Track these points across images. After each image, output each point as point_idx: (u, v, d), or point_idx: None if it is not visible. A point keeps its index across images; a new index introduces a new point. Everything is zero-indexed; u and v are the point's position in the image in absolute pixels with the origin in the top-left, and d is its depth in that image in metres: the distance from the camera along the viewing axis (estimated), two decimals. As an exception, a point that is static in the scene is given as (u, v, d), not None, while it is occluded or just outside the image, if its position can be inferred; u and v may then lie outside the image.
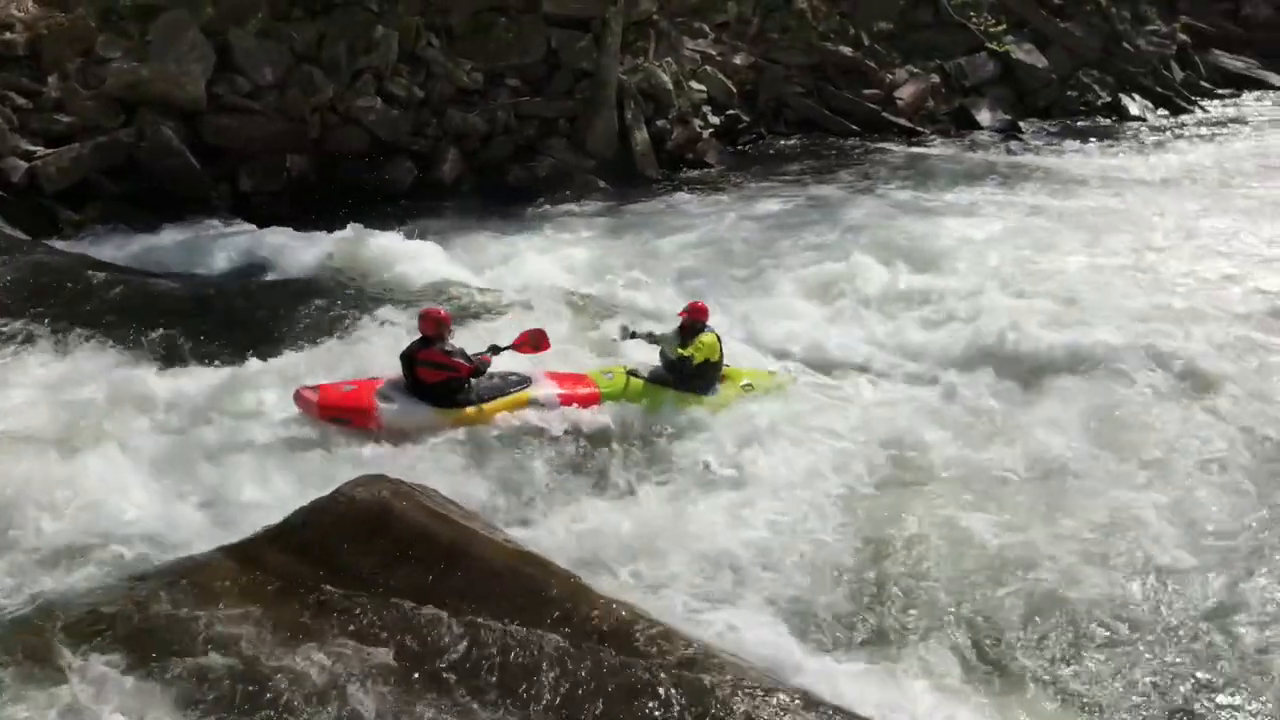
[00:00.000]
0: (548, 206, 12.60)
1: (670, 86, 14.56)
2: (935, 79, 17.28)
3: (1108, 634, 4.87)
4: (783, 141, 16.09)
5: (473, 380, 6.44)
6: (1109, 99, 18.38)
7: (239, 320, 8.48)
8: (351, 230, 10.37)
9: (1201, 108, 18.85)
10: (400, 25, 13.24)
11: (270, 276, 9.73)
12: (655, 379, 7.04)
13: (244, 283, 9.59)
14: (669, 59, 14.82)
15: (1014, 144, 16.36)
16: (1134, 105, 18.41)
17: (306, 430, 6.21)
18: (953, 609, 4.98)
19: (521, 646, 3.53)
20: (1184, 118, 18.25)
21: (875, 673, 4.43)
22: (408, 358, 6.40)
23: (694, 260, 10.52)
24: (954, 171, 14.34)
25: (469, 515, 4.24)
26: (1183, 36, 20.15)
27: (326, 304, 8.66)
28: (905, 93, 16.80)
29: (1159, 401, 7.27)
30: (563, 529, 5.42)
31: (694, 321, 7.11)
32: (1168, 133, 17.27)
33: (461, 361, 6.37)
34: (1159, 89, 18.86)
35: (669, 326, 7.38)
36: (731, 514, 5.69)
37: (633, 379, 6.98)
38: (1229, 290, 9.66)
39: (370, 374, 6.75)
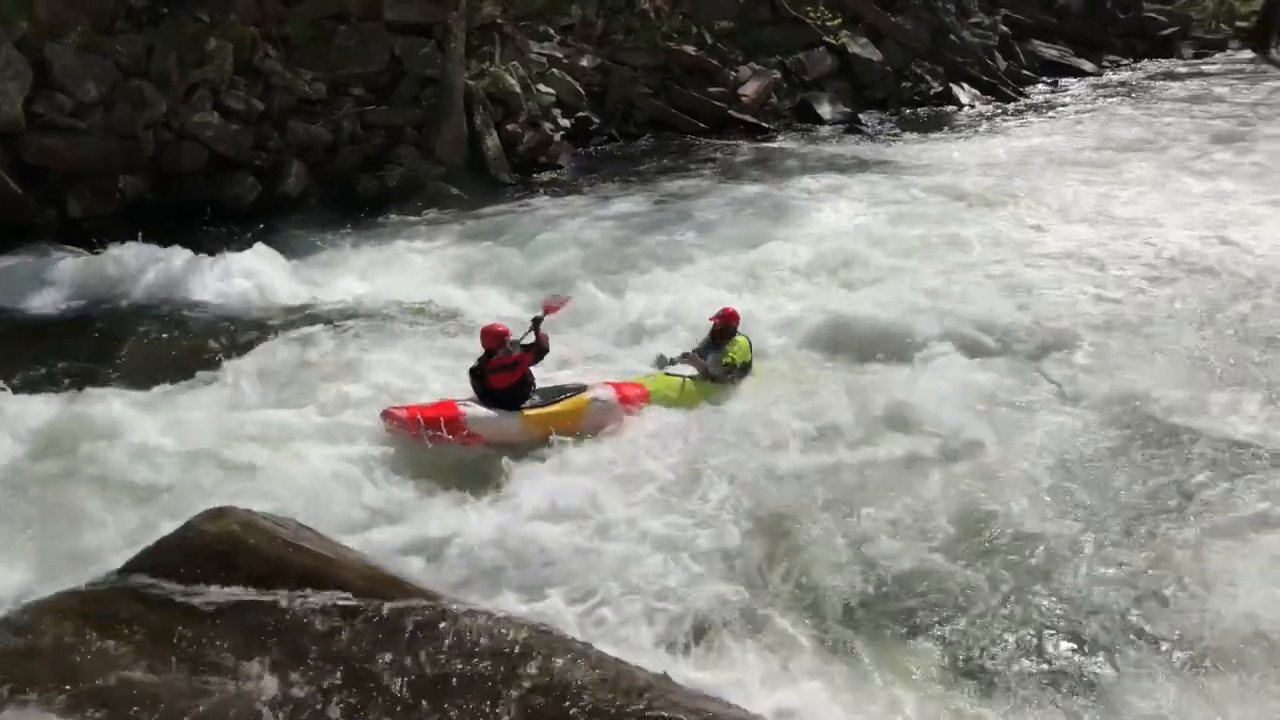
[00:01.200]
0: (400, 216, 12.42)
1: (518, 90, 14.55)
2: (777, 75, 17.77)
3: (974, 614, 5.08)
4: (634, 142, 16.28)
5: (531, 375, 6.80)
6: (941, 89, 19.28)
7: (71, 349, 8.08)
8: (190, 250, 10.01)
9: (1024, 94, 20.00)
10: (234, 36, 12.79)
11: (104, 303, 9.31)
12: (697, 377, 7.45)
13: (75, 310, 9.15)
14: (515, 63, 14.80)
15: (855, 135, 16.99)
16: (964, 94, 19.38)
17: (150, 463, 6.00)
18: (835, 601, 5.16)
19: (389, 671, 3.51)
20: (1009, 105, 19.30)
21: (764, 674, 4.58)
22: (478, 372, 6.72)
23: (553, 263, 10.54)
24: (800, 164, 14.81)
25: (327, 542, 4.18)
26: (1004, 28, 21.33)
27: (165, 328, 8.36)
28: (749, 89, 17.22)
29: (1010, 375, 7.77)
30: (432, 547, 5.43)
31: (726, 326, 7.58)
32: (995, 119, 18.24)
33: (520, 354, 6.73)
34: (985, 78, 19.90)
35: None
36: (612, 522, 5.75)
37: (673, 378, 7.38)
38: (1068, 264, 10.32)
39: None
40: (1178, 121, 17.53)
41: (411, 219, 12.32)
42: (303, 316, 8.58)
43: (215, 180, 12.30)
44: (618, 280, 9.91)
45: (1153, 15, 24.82)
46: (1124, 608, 5.12)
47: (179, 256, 10.00)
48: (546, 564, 5.35)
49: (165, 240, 10.43)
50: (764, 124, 16.98)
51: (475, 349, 6.95)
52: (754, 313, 8.56)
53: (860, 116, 17.81)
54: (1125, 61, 23.45)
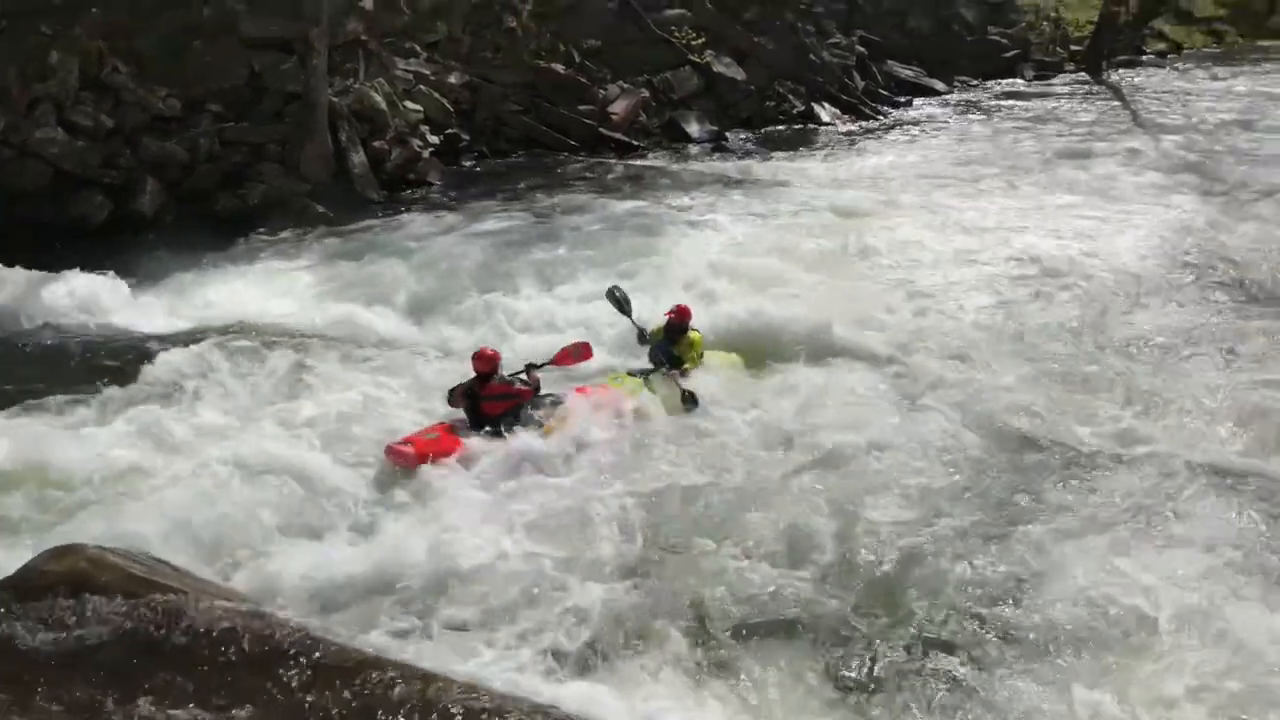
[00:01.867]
0: (263, 235, 12.08)
1: (384, 107, 14.36)
2: (645, 93, 18.01)
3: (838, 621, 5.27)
4: (504, 159, 16.24)
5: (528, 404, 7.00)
6: (803, 108, 19.87)
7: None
8: (33, 271, 9.53)
9: (882, 113, 20.79)
10: (80, 49, 12.25)
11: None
12: (649, 373, 7.74)
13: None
14: (381, 79, 14.60)
15: (723, 153, 17.36)
16: (825, 113, 20.01)
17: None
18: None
19: (252, 702, 3.43)
20: (868, 123, 20.04)
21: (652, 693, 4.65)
22: (470, 395, 6.88)
23: (423, 281, 10.44)
24: (671, 181, 15.04)
25: (184, 575, 4.04)
26: (860, 49, 22.12)
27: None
28: (618, 107, 17.41)
29: (882, 383, 8.05)
30: (303, 576, 5.30)
31: (681, 321, 7.89)
32: (856, 136, 18.89)
33: (523, 387, 7.00)
34: (845, 97, 20.61)
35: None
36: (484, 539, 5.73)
37: (633, 378, 7.65)
38: (933, 274, 10.81)
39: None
40: (1024, 139, 18.51)
41: (275, 238, 12.00)
42: (153, 339, 8.24)
43: (62, 199, 11.73)
44: (490, 297, 9.88)
45: (996, 38, 26.17)
46: (985, 608, 5.38)
47: (18, 278, 9.51)
48: (426, 589, 5.28)
49: (7, 261, 9.91)
50: (634, 141, 17.19)
51: (339, 371, 6.87)
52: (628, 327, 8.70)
53: (727, 135, 18.21)
54: (974, 82, 24.63)
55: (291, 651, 3.64)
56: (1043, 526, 6.13)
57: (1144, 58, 29.78)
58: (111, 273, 9.93)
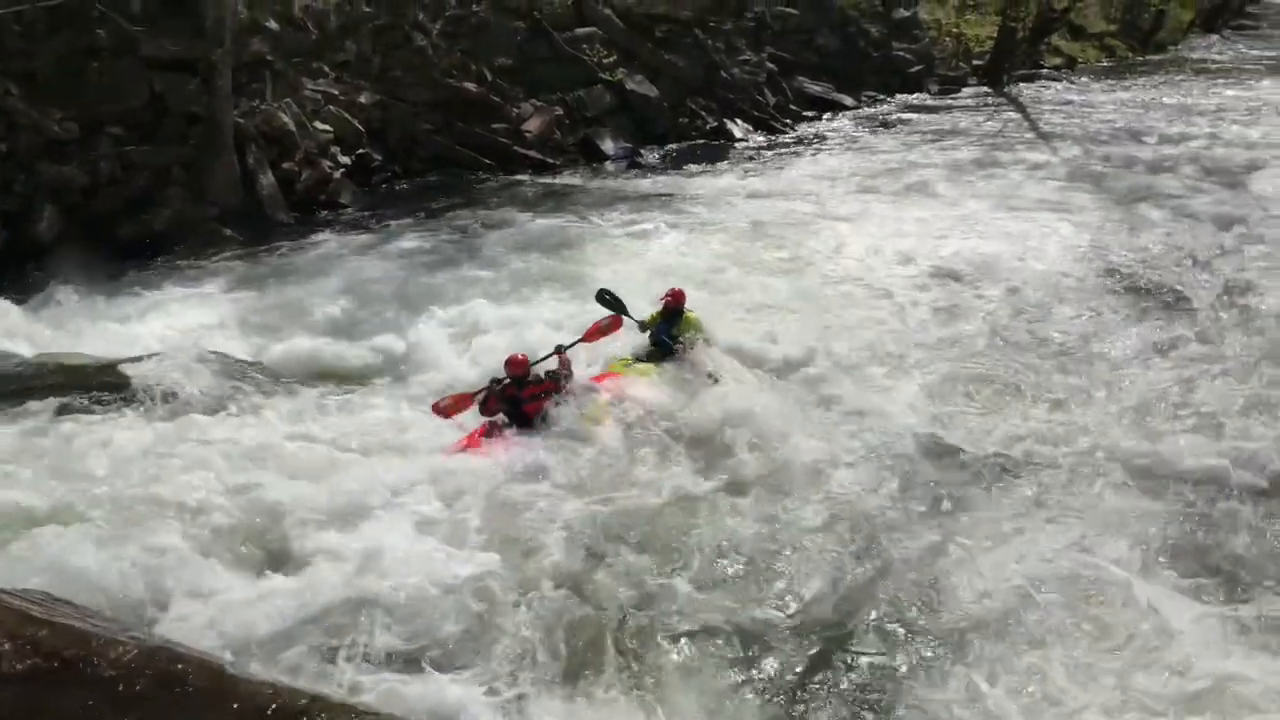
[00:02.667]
0: (169, 261, 11.75)
1: (293, 128, 14.11)
2: (559, 111, 18.02)
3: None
4: (418, 179, 16.06)
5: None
6: (716, 124, 20.11)
7: None
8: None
9: (793, 128, 21.15)
10: (-33, 72, 11.81)
11: None
12: (652, 357, 8.22)
13: None
14: (289, 100, 14.35)
15: (638, 169, 17.46)
16: (737, 129, 20.28)
17: None
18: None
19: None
20: (779, 138, 20.36)
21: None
22: (510, 399, 7.16)
23: (338, 304, 10.25)
24: (588, 198, 15.07)
25: (88, 615, 3.87)
26: (770, 65, 22.48)
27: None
28: (532, 125, 17.39)
29: (798, 393, 8.20)
30: (213, 612, 5.13)
31: (676, 304, 8.37)
32: (769, 151, 19.17)
33: (551, 382, 7.28)
34: (756, 113, 20.93)
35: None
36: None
37: (640, 363, 8.14)
38: (849, 284, 11.08)
39: None
40: (932, 150, 19.02)
41: (181, 263, 11.68)
42: (51, 370, 7.91)
43: (-49, 226, 11.25)
44: (406, 316, 9.77)
45: (902, 54, 26.84)
46: (900, 608, 5.56)
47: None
48: (355, 619, 5.13)
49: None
50: (549, 159, 17.17)
51: (249, 398, 6.73)
52: (546, 343, 8.67)
53: (642, 151, 18.32)
54: (881, 96, 25.22)
55: (204, 691, 3.51)
56: (958, 528, 6.32)
57: (1042, 71, 30.89)
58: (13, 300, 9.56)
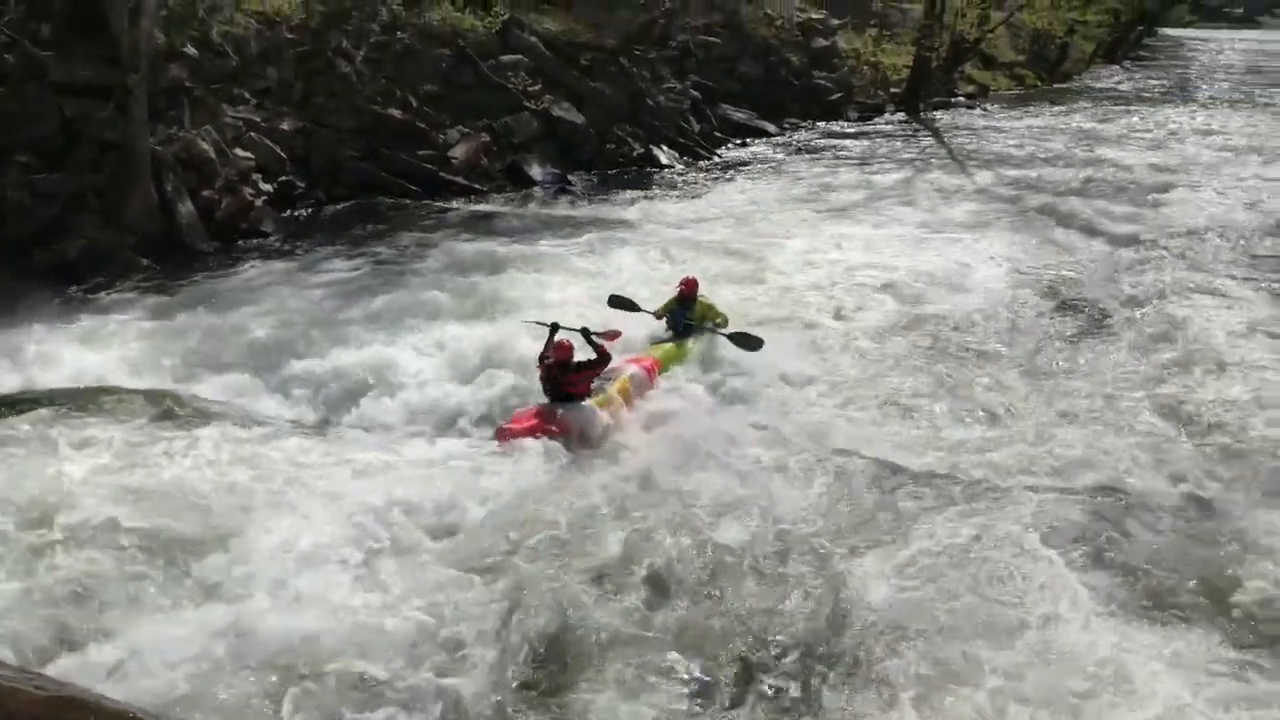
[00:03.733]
0: (83, 292, 11.36)
1: (213, 155, 13.81)
2: (486, 138, 17.98)
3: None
4: (343, 205, 15.85)
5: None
6: (642, 150, 20.26)
7: None
8: None
9: (718, 155, 21.44)
10: None
11: None
12: (674, 339, 9.25)
13: None
14: (208, 127, 14.06)
15: (566, 196, 17.48)
16: (664, 155, 20.47)
17: None
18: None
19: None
20: (705, 164, 20.62)
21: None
22: (554, 381, 7.80)
23: (258, 332, 9.99)
24: (516, 224, 15.02)
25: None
26: (694, 93, 22.78)
27: None
28: (459, 152, 17.32)
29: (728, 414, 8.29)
30: (125, 655, 4.92)
31: (690, 292, 9.40)
32: (695, 177, 19.39)
33: (593, 370, 7.96)
34: (682, 140, 21.16)
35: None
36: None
37: (668, 345, 9.15)
38: (779, 305, 11.25)
39: None
40: (853, 176, 19.44)
41: (98, 294, 11.31)
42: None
43: None
44: (330, 345, 9.56)
45: (822, 82, 27.45)
46: (816, 628, 5.59)
47: None
48: (276, 662, 4.98)
49: None
50: (476, 185, 17.11)
51: (167, 433, 6.67)
52: (471, 366, 8.71)
53: (570, 177, 18.35)
54: (803, 123, 25.75)
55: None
56: (882, 547, 6.41)
57: (956, 99, 31.86)
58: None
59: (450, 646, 5.22)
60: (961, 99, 32.17)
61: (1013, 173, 19.97)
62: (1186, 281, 12.35)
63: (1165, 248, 14.09)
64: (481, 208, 16.29)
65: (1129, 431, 8.15)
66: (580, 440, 7.59)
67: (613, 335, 8.49)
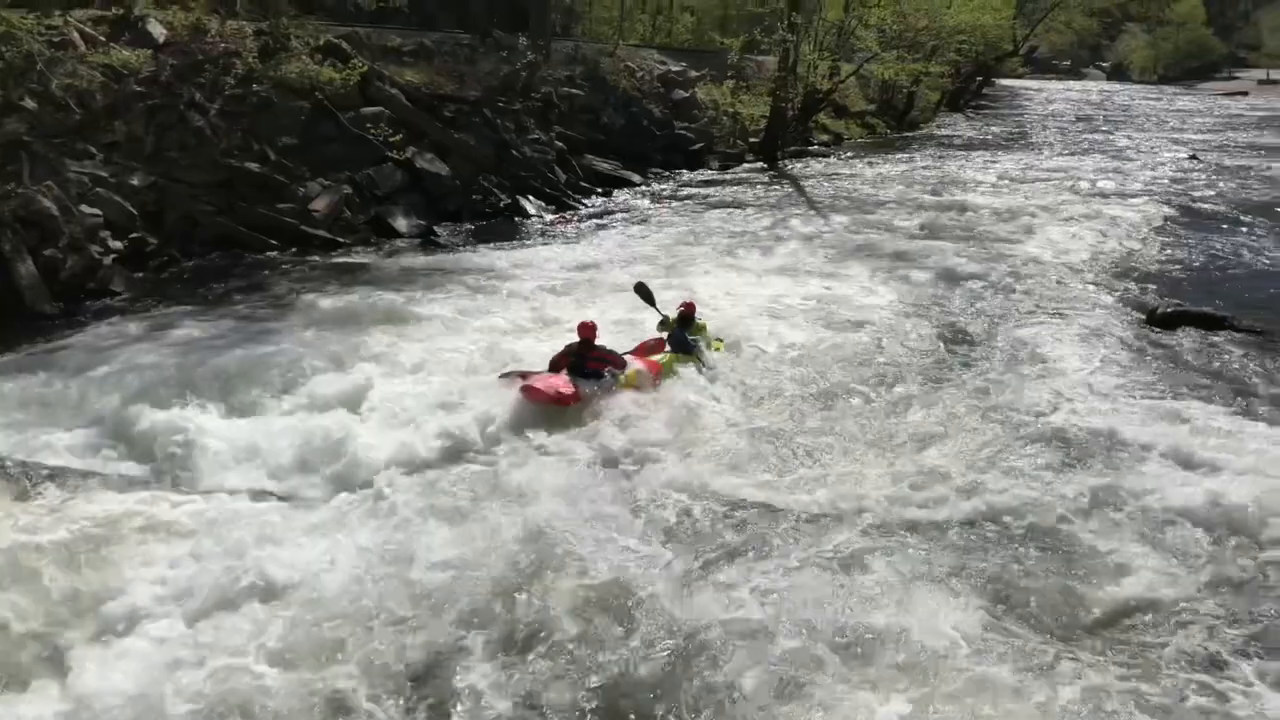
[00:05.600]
0: (-88, 357, 10.69)
1: (56, 212, 13.22)
2: (348, 190, 17.75)
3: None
4: (200, 262, 15.37)
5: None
6: (509, 201, 20.33)
7: None
8: None
9: (585, 204, 21.69)
10: None
11: None
12: (675, 351, 10.39)
13: None
14: (50, 183, 13.46)
15: (432, 247, 17.36)
16: (530, 205, 20.59)
17: None
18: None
19: None
20: (573, 214, 20.81)
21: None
22: (577, 355, 9.37)
23: (105, 397, 9.54)
24: (379, 277, 14.81)
25: None
26: (559, 144, 23.05)
27: None
28: (320, 204, 17.04)
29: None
30: None
31: (690, 313, 10.72)
32: (562, 227, 19.53)
33: (619, 356, 9.62)
34: (549, 190, 21.34)
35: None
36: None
37: (669, 355, 10.29)
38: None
39: None
40: (716, 223, 19.93)
41: (-71, 359, 10.63)
42: None
43: None
44: (183, 406, 9.21)
45: (683, 132, 28.18)
46: (684, 663, 5.78)
47: None
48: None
49: None
50: (339, 239, 16.85)
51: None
52: (329, 422, 8.56)
53: (436, 229, 18.25)
54: (666, 172, 26.32)
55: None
56: (754, 581, 6.58)
57: (812, 147, 33.16)
58: None
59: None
60: (817, 147, 33.50)
61: (868, 216, 20.86)
62: (1032, 311, 13.22)
63: (1010, 281, 15.01)
64: (345, 260, 16.04)
65: (982, 458, 8.57)
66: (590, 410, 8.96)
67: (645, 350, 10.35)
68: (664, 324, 10.70)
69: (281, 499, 7.70)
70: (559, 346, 11.28)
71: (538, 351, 11.04)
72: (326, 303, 13.02)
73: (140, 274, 14.41)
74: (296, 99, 18.13)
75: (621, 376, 9.45)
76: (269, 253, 15.94)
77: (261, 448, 8.41)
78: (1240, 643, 6.03)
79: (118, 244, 14.30)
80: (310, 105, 18.24)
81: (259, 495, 7.78)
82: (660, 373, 9.89)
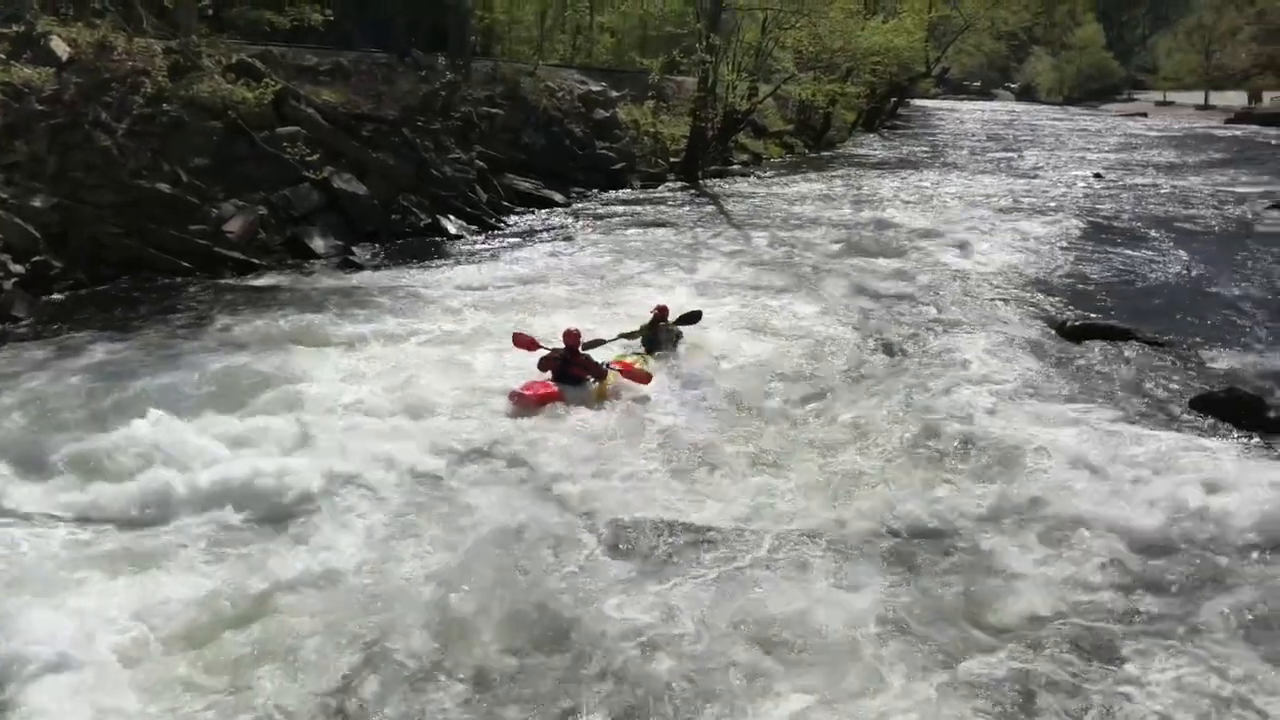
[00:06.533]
0: None
1: (-49, 236, 12.74)
2: (263, 210, 17.43)
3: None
4: (109, 286, 14.95)
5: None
6: (429, 220, 20.17)
7: None
8: None
9: (506, 224, 21.63)
10: None
11: None
12: (649, 353, 11.33)
13: None
14: (-55, 206, 12.98)
15: (350, 268, 17.11)
16: (452, 225, 20.45)
17: None
18: None
19: None
20: (495, 233, 20.74)
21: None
22: (562, 360, 10.07)
23: (9, 426, 9.24)
24: (296, 299, 14.54)
25: None
26: (480, 163, 22.97)
27: None
28: (234, 226, 16.69)
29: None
30: None
31: (662, 315, 11.72)
32: (484, 247, 19.44)
33: (600, 367, 10.28)
34: (470, 209, 21.23)
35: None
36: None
37: (642, 357, 11.10)
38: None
39: None
40: (638, 241, 20.03)
41: None
42: None
43: None
44: (92, 437, 8.91)
45: (605, 152, 28.29)
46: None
47: None
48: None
49: None
50: (254, 260, 16.53)
51: None
52: (241, 449, 8.40)
53: (354, 249, 18.00)
54: (588, 192, 26.37)
55: None
56: (675, 591, 6.68)
57: (732, 167, 33.60)
58: None
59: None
60: (737, 166, 33.93)
61: (787, 234, 21.19)
62: (948, 326, 13.52)
63: (926, 296, 15.36)
64: (260, 283, 15.72)
65: (895, 467, 8.77)
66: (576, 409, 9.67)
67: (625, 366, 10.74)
68: (633, 334, 11.57)
69: (184, 528, 7.46)
70: (478, 365, 11.30)
71: (457, 369, 11.02)
72: (241, 326, 12.75)
73: (45, 298, 13.95)
74: (209, 118, 17.76)
75: (595, 385, 10.11)
76: (181, 276, 15.56)
77: (172, 476, 8.14)
78: (1135, 644, 6.24)
79: (19, 268, 13.82)
80: (223, 125, 17.88)
81: (166, 523, 7.54)
82: (632, 371, 10.52)
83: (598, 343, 10.99)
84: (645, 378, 10.42)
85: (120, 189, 15.71)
